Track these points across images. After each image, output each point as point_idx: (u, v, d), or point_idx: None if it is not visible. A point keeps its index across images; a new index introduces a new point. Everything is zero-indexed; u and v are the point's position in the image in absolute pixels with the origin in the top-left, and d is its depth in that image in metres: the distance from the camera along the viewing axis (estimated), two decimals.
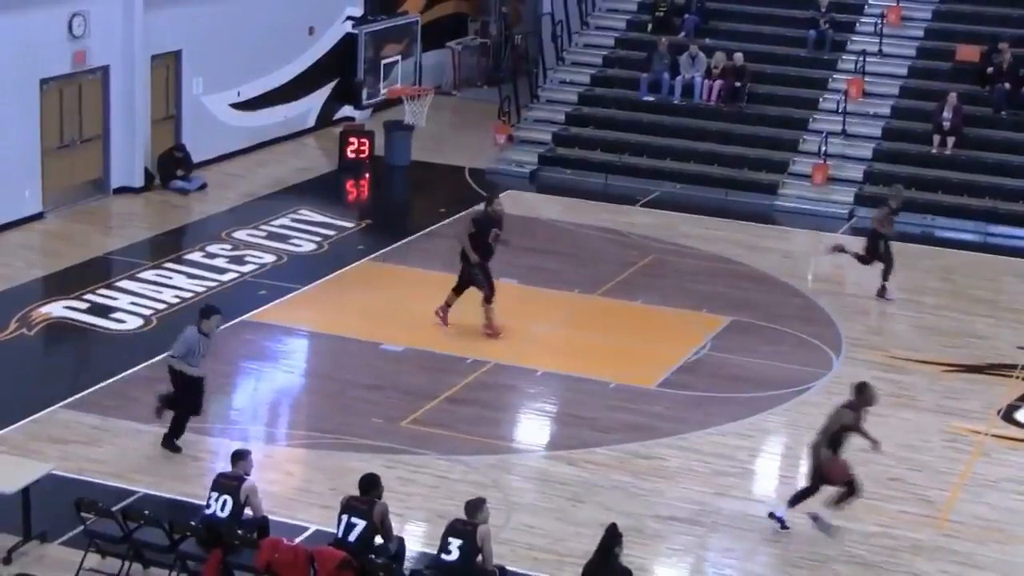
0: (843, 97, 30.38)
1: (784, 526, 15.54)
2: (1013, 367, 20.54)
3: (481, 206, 21.72)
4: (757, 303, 22.71)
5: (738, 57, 31.13)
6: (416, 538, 14.92)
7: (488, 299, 20.67)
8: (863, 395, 15.57)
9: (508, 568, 13.87)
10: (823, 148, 29.40)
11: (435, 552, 13.55)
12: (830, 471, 15.31)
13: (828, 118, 30.33)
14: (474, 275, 20.69)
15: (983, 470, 17.29)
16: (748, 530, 15.63)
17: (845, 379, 19.67)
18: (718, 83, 30.93)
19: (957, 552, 15.32)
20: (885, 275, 23.23)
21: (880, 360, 20.55)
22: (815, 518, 15.43)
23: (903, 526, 15.81)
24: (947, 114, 29.26)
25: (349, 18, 32.80)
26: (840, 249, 23.58)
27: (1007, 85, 29.94)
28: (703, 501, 16.19)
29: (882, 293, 23.24)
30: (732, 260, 24.99)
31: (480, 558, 13.34)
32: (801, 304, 22.98)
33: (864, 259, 23.29)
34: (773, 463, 17.92)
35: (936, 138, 29.36)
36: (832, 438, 15.32)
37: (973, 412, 18.91)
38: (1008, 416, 18.95)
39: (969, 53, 30.95)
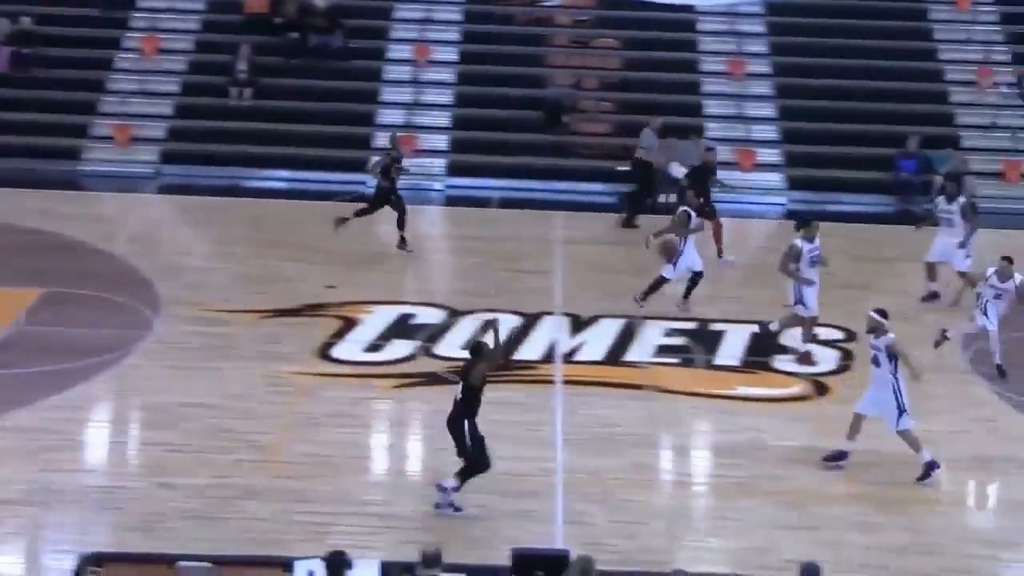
0: (138, 55, 30.16)
1: (456, 508, 15.09)
2: (322, 306, 21.20)
3: None
4: (71, 272, 22.17)
5: (25, 21, 30.11)
6: None
7: None
8: (481, 353, 15.39)
9: None
10: (123, 109, 29.08)
11: None
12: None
13: (126, 77, 30.03)
14: None
15: (306, 409, 17.82)
16: (82, 502, 15.25)
17: (166, 339, 19.75)
18: (6, 50, 29.79)
19: (291, 491, 15.61)
20: (400, 225, 23.42)
21: (200, 315, 20.64)
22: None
23: (236, 474, 15.93)
24: (242, 66, 29.73)
25: None
26: None
27: (296, 34, 30.79)
28: (32, 480, 15.61)
29: (402, 245, 23.50)
30: (40, 230, 24.24)
31: None
32: (116, 268, 22.67)
33: (366, 211, 23.43)
34: (102, 430, 17.59)
35: (234, 90, 29.76)
36: (469, 401, 15.03)
37: (292, 354, 19.39)
38: (323, 354, 19.59)
39: (258, 4, 31.53)
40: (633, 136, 28.60)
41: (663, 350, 20.23)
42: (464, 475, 15.06)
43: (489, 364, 15.27)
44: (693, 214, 21.42)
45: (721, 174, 25.73)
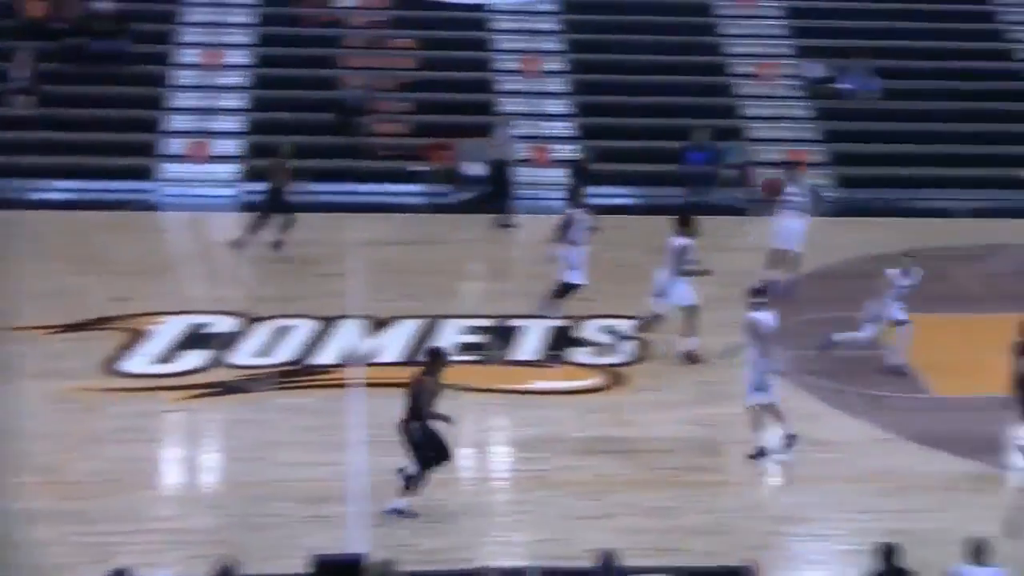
0: None
1: (407, 514, 14.98)
2: (109, 319, 20.52)
3: None
4: None
5: None
6: None
7: None
8: (439, 359, 15.28)
9: None
10: None
11: None
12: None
13: None
14: None
15: (92, 425, 17.20)
16: None
17: None
18: None
19: (77, 512, 15.06)
20: (255, 230, 23.53)
21: None
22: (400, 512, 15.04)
23: (22, 497, 15.25)
24: (22, 73, 28.84)
25: None
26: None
27: (79, 39, 29.94)
28: None
29: (239, 246, 23.55)
30: None
31: None
32: None
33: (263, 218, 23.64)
34: None
35: (13, 98, 28.84)
36: (422, 411, 14.90)
37: (77, 370, 18.73)
38: (110, 368, 18.97)
39: (37, 9, 30.57)
40: (427, 136, 28.63)
41: (463, 348, 20.05)
42: (414, 482, 14.98)
43: (432, 376, 15.16)
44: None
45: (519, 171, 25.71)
